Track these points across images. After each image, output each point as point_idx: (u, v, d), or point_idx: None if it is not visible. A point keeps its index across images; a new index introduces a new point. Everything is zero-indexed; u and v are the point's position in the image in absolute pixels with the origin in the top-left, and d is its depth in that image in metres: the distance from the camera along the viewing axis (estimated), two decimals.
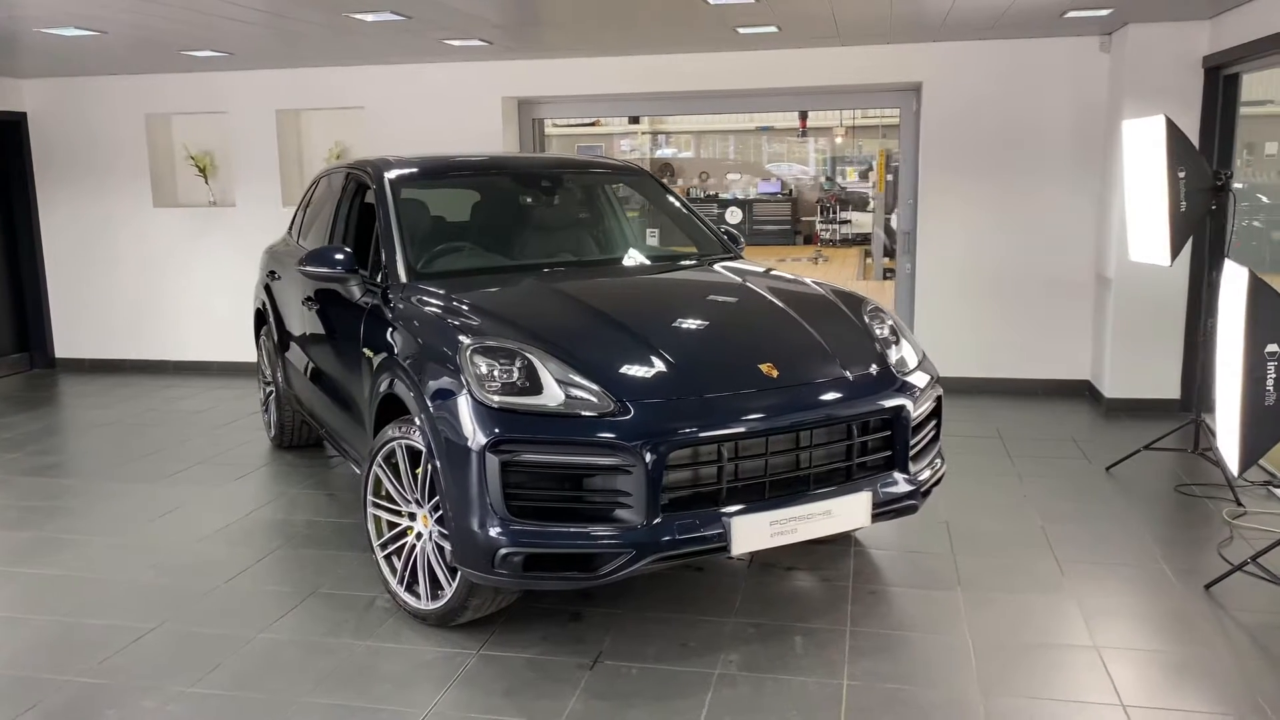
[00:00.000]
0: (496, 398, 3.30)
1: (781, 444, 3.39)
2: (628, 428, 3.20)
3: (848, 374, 3.60)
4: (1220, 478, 5.07)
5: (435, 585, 3.69)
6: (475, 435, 3.24)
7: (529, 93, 7.87)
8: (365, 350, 4.13)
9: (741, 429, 3.31)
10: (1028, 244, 7.22)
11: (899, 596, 4.00)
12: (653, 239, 6.91)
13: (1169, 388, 6.72)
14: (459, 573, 3.52)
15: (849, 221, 18.79)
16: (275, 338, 5.85)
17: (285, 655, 3.60)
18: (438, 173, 4.92)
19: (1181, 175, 4.88)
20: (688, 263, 4.78)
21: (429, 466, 3.58)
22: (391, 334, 3.94)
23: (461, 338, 3.50)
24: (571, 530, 3.21)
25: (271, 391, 6.23)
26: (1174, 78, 6.39)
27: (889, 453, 3.61)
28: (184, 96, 8.33)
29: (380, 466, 3.86)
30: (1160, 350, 6.68)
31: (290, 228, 6.22)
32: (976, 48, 7.08)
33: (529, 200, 5.04)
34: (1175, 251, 4.95)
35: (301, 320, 5.19)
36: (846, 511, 3.42)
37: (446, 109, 7.87)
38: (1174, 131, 4.87)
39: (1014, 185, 7.18)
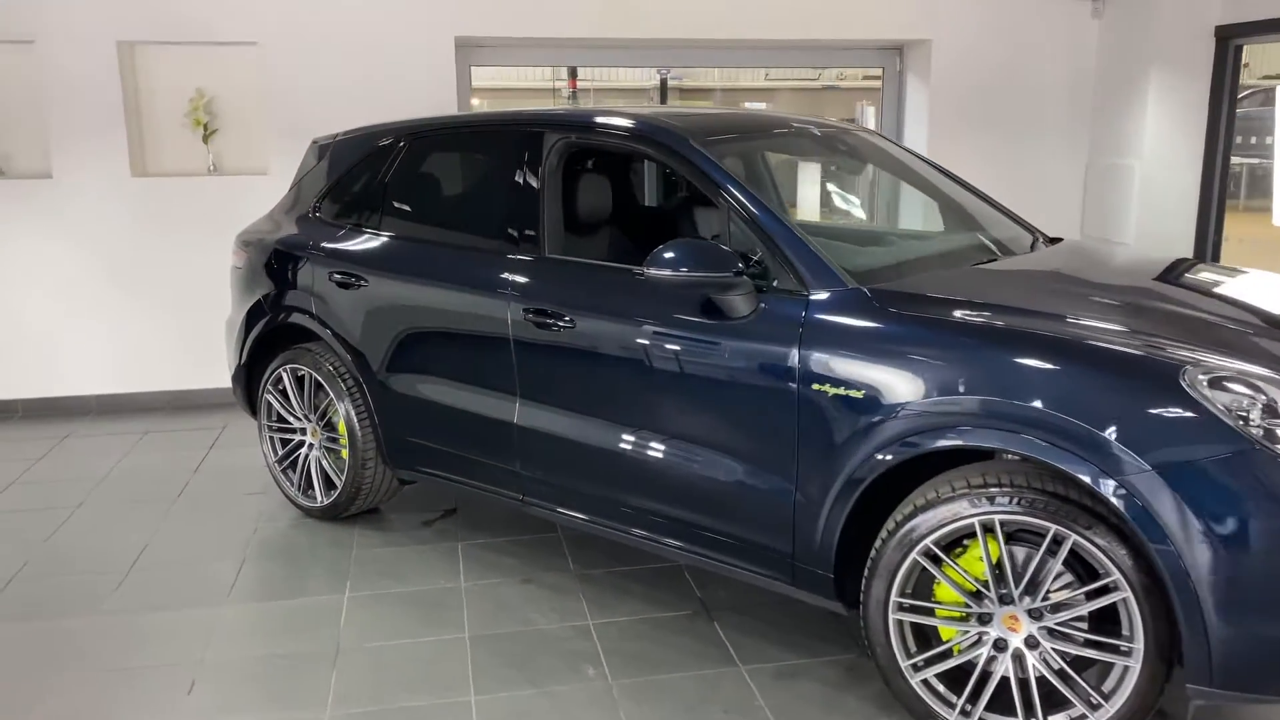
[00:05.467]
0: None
1: None
2: None
3: None
4: None
5: (1055, 707, 2.68)
6: None
7: (484, 32, 6.31)
8: (826, 388, 2.87)
9: None
10: (1017, 207, 7.12)
11: None
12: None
13: None
14: (1127, 693, 2.57)
15: None
16: (358, 368, 4.09)
17: None
18: (742, 135, 3.62)
19: None
20: (1048, 245, 3.95)
21: (1045, 554, 2.59)
22: (909, 364, 2.76)
23: (1183, 366, 2.50)
24: None
25: (308, 443, 4.40)
26: (1184, 45, 6.54)
27: None
28: None
29: (925, 556, 2.72)
30: None
31: (318, 204, 4.41)
32: (974, 5, 6.79)
33: (838, 170, 3.90)
34: None
35: (507, 344, 3.61)
36: None
37: (378, 52, 6.08)
38: None
39: (1004, 148, 7.00)
